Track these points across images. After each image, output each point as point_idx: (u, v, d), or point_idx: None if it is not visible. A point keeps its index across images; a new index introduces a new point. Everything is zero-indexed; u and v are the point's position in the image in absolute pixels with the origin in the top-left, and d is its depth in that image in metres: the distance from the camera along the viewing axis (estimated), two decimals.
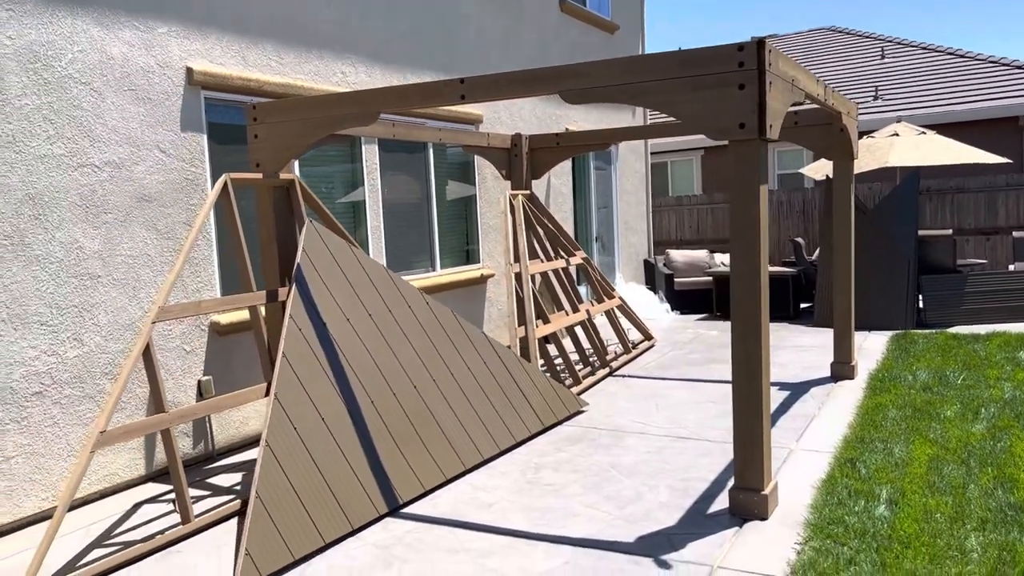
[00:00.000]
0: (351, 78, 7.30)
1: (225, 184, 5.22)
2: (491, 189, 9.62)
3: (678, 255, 12.82)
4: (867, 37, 20.63)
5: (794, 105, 5.35)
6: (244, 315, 6.15)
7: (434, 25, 8.48)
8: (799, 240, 12.28)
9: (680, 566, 3.88)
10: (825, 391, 7.15)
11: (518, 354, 6.65)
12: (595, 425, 6.37)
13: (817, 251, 12.36)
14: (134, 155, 5.43)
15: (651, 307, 12.07)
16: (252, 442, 6.34)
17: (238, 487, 5.36)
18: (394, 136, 7.13)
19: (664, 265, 12.90)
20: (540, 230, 8.57)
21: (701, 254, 12.85)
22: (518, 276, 7.85)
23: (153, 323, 4.57)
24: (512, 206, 8.28)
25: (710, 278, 12.25)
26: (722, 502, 4.67)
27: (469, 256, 9.33)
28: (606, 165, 12.73)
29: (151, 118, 5.55)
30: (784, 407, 6.66)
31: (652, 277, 13.33)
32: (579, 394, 7.32)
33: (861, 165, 10.91)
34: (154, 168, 5.57)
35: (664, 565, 3.90)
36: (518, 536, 4.34)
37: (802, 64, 19.69)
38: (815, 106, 8.13)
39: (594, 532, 4.33)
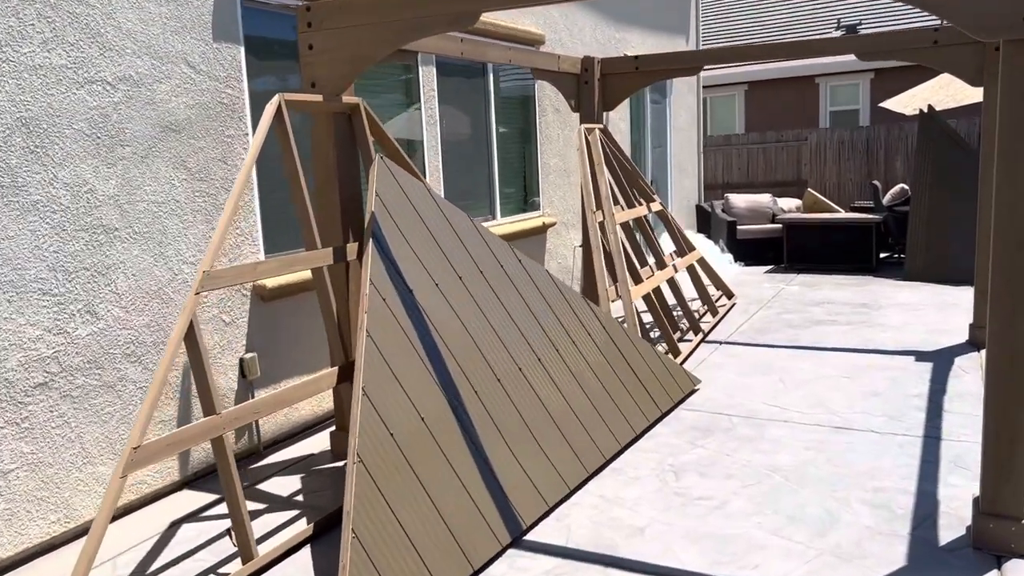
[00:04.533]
0: None
1: (279, 106, 3.96)
2: (551, 124, 8.34)
3: (739, 200, 11.60)
4: None
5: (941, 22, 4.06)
6: (293, 277, 4.95)
7: None
8: (876, 183, 11.06)
9: None
10: (972, 362, 6.02)
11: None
12: (720, 409, 5.24)
13: (888, 195, 11.18)
14: (156, 70, 4.16)
15: (713, 258, 10.89)
16: (303, 431, 5.19)
17: (299, 497, 4.22)
18: (462, 54, 5.84)
19: (723, 211, 11.69)
20: (618, 170, 7.33)
21: (764, 199, 11.63)
22: (602, 225, 6.65)
23: (198, 294, 3.36)
24: (588, 142, 7.03)
25: (778, 226, 11.05)
26: (950, 527, 3.55)
27: (527, 201, 8.10)
28: (661, 99, 11.41)
29: (176, 22, 4.26)
30: (938, 384, 5.54)
31: (707, 224, 12.12)
32: (680, 364, 6.17)
33: (961, 97, 9.66)
34: (181, 88, 4.30)
35: None
36: None
37: None
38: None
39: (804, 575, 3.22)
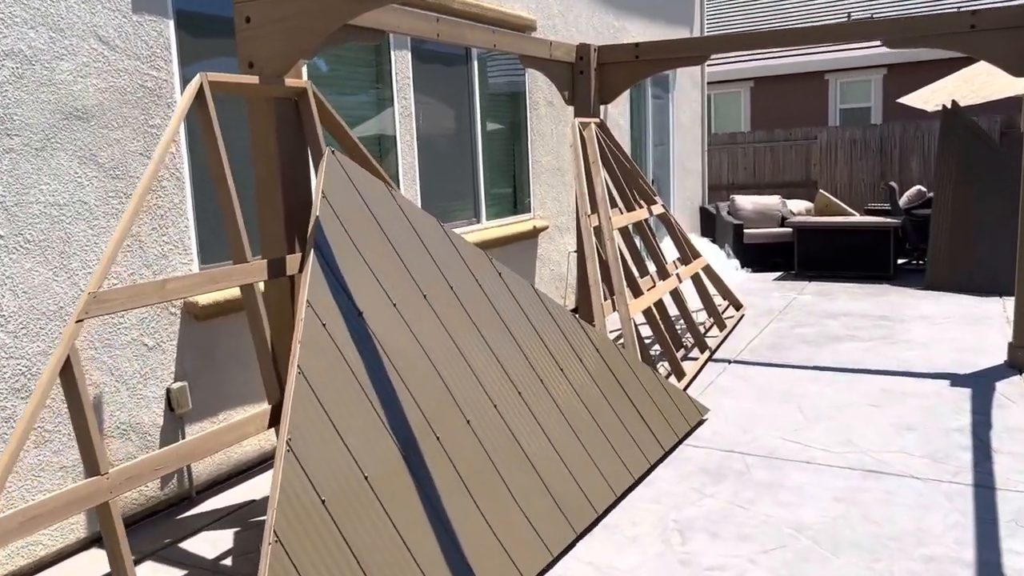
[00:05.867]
0: None
1: (201, 88, 3.25)
2: (543, 119, 7.63)
3: (746, 202, 10.89)
4: None
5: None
6: (234, 291, 4.23)
7: None
8: (893, 184, 10.35)
9: None
10: (1016, 387, 5.31)
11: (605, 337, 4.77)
12: (732, 446, 4.52)
13: (904, 197, 10.47)
14: (56, 45, 3.45)
15: (718, 264, 10.16)
16: (247, 470, 4.48)
17: (227, 561, 3.51)
18: (438, 35, 5.13)
19: (728, 214, 10.98)
20: (616, 169, 6.62)
21: (772, 201, 10.92)
22: (597, 231, 5.93)
23: (79, 322, 2.65)
24: (583, 137, 6.31)
25: (787, 230, 10.33)
26: None
27: (516, 203, 7.39)
28: (664, 93, 10.69)
29: None
30: (980, 415, 4.83)
31: (712, 228, 11.40)
32: (684, 389, 5.46)
33: (988, 92, 8.95)
34: (90, 67, 3.59)
35: None
36: None
37: None
38: (1002, 3, 6.16)
39: None
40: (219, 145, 3.29)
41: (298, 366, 2.91)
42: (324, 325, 3.11)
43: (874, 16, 15.93)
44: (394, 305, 3.47)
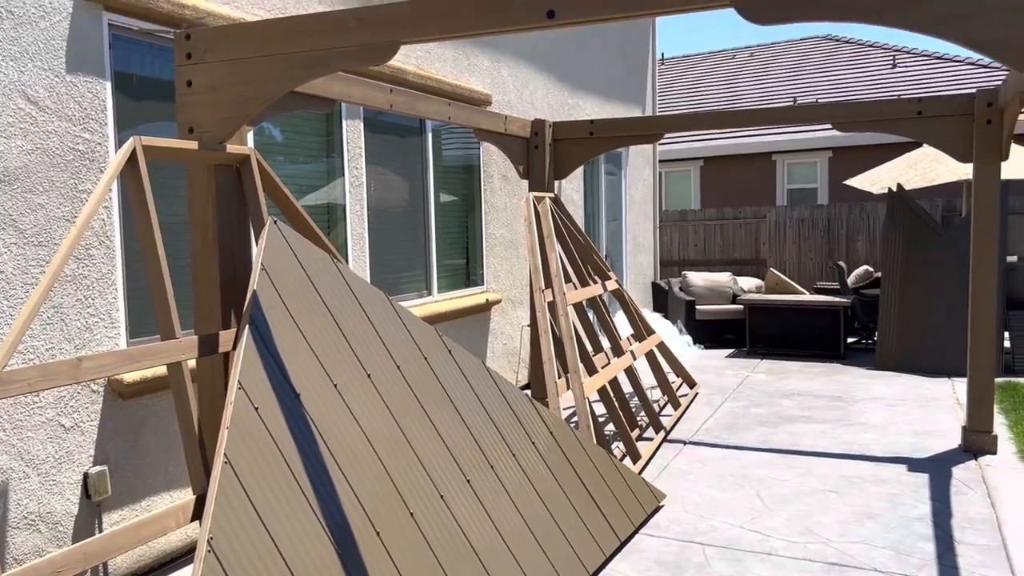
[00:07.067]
0: None
1: (133, 151, 3.05)
2: (497, 192, 7.55)
3: (697, 278, 10.90)
4: (877, 46, 19.02)
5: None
6: (163, 369, 3.96)
7: None
8: (842, 264, 10.48)
9: None
10: (972, 473, 5.23)
11: (556, 416, 4.58)
12: (690, 535, 4.32)
13: (852, 276, 10.62)
14: None
15: (671, 340, 10.10)
16: (173, 561, 4.12)
17: None
18: (391, 107, 5.02)
19: (681, 290, 10.97)
20: (570, 244, 6.53)
21: (723, 278, 10.96)
22: (551, 306, 5.80)
23: None
24: (537, 211, 6.23)
25: (739, 307, 10.35)
26: None
27: (469, 276, 7.24)
28: (616, 170, 10.77)
29: (11, 45, 3.36)
30: (940, 502, 4.71)
31: (664, 303, 11.39)
32: (640, 472, 5.27)
33: (933, 176, 9.16)
34: (15, 128, 3.37)
35: None
36: None
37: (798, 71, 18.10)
38: (950, 93, 6.32)
39: None
40: (150, 213, 3.08)
41: (224, 454, 2.66)
42: (256, 409, 2.87)
43: (818, 101, 16.45)
44: (335, 386, 3.25)
